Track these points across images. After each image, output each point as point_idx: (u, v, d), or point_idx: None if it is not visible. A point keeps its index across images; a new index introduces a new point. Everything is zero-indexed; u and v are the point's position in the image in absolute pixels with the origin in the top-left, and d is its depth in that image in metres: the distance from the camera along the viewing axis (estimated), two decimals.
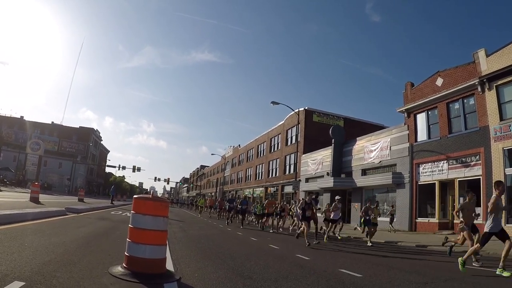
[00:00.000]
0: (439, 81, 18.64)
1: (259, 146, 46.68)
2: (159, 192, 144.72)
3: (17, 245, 5.08)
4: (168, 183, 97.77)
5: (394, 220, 19.45)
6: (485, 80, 15.72)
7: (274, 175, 39.87)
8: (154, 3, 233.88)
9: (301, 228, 12.13)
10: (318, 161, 29.60)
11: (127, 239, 4.17)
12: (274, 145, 41.43)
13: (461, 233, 8.30)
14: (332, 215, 13.79)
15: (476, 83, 16.09)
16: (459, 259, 6.66)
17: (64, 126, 66.77)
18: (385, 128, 25.41)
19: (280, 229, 17.30)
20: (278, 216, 17.54)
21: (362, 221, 12.91)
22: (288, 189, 34.14)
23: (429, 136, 19.29)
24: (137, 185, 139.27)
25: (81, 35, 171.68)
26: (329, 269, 6.22)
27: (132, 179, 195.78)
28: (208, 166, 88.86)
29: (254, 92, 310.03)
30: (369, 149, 23.86)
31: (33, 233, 6.63)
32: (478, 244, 6.77)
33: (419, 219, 18.87)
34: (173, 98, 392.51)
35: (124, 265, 4.10)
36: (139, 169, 62.60)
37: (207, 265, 5.51)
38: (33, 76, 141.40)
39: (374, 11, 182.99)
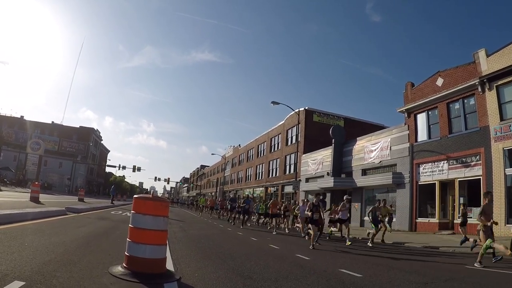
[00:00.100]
0: (440, 81, 18.63)
1: (259, 146, 46.67)
2: (159, 192, 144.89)
3: (17, 245, 5.08)
4: (168, 183, 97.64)
5: (393, 220, 19.44)
6: (485, 80, 15.71)
7: (274, 175, 39.86)
8: (154, 3, 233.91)
9: (309, 230, 11.65)
10: (318, 161, 29.59)
11: (127, 239, 4.17)
12: (274, 145, 41.42)
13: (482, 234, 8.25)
14: (340, 215, 13.16)
15: (477, 83, 16.08)
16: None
17: (64, 126, 66.81)
18: (385, 128, 25.38)
19: (286, 230, 16.82)
20: (283, 217, 17.04)
21: (371, 221, 12.41)
22: (288, 189, 34.14)
23: (429, 136, 19.28)
24: (137, 185, 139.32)
25: (81, 35, 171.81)
26: (329, 269, 6.21)
27: (132, 179, 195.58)
28: (208, 166, 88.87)
29: (254, 92, 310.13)
30: (369, 149, 23.85)
31: (33, 232, 6.63)
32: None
33: (419, 219, 18.86)
34: (173, 98, 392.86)
35: (124, 265, 4.10)
36: (139, 169, 62.61)
37: (207, 265, 5.51)
38: (33, 76, 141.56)
39: (374, 11, 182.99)
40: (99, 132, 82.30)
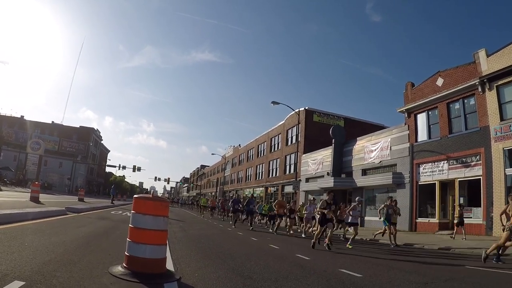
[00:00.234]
0: (440, 81, 18.63)
1: (259, 146, 46.67)
2: (159, 191, 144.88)
3: (17, 245, 5.08)
4: (168, 183, 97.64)
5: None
6: (485, 80, 15.71)
7: (274, 175, 39.86)
8: (154, 3, 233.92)
9: (315, 230, 11.01)
10: (318, 161, 29.59)
11: (127, 239, 4.17)
12: (274, 145, 41.42)
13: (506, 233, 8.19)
14: (350, 219, 12.10)
15: (477, 83, 16.08)
16: None
17: (64, 126, 66.85)
18: (386, 128, 25.39)
19: (291, 231, 15.83)
20: (289, 218, 16.35)
21: (384, 219, 12.12)
22: (288, 189, 34.15)
23: (429, 136, 19.28)
24: (137, 184, 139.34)
25: (82, 34, 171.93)
26: (329, 269, 6.21)
27: (132, 178, 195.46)
28: (208, 166, 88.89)
29: (254, 92, 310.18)
30: (370, 149, 23.85)
31: (33, 232, 6.63)
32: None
33: (419, 219, 18.86)
34: (173, 98, 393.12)
35: (124, 265, 4.09)
36: (139, 169, 62.64)
37: (207, 265, 5.51)
38: (33, 76, 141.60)
39: (374, 11, 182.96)
40: (99, 132, 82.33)
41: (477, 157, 16.13)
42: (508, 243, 7.95)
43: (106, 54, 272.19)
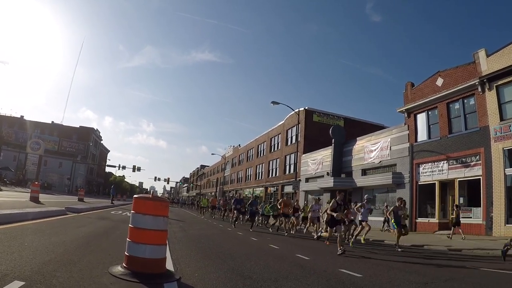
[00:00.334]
0: (439, 81, 18.63)
1: (259, 146, 46.67)
2: (159, 191, 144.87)
3: (17, 245, 5.08)
4: (168, 183, 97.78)
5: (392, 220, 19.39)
6: (485, 80, 15.71)
7: (274, 175, 39.86)
8: (154, 3, 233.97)
9: (323, 233, 10.65)
10: (318, 161, 29.59)
11: (127, 239, 4.17)
12: (274, 145, 41.42)
13: None
14: (360, 217, 12.24)
15: (476, 83, 16.08)
16: None
17: (64, 126, 66.79)
18: (385, 128, 25.39)
19: (292, 231, 15.65)
20: (294, 218, 15.99)
21: (393, 221, 11.65)
22: (288, 189, 34.13)
23: (429, 136, 19.28)
24: (137, 184, 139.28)
25: (82, 34, 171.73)
26: (329, 269, 6.21)
27: (132, 178, 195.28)
28: (208, 166, 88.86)
29: (254, 92, 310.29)
30: (369, 149, 23.85)
31: (33, 232, 6.63)
32: None
33: (419, 219, 18.86)
34: (173, 98, 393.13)
35: (124, 265, 4.09)
36: (139, 169, 62.61)
37: (207, 265, 5.51)
38: (33, 76, 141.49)
39: (374, 11, 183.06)
40: (99, 132, 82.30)
41: (477, 157, 16.13)
42: None
43: (106, 54, 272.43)
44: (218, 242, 9.74)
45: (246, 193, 45.92)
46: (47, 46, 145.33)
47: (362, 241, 12.39)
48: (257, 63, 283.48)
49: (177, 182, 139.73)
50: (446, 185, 18.10)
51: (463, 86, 16.86)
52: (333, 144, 26.92)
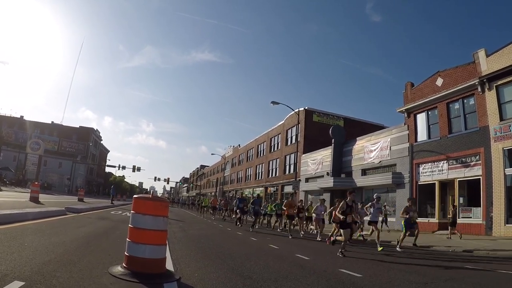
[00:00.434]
0: (439, 81, 18.64)
1: (259, 146, 46.68)
2: (159, 192, 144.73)
3: (17, 245, 5.08)
4: (168, 183, 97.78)
5: (391, 220, 19.43)
6: (485, 80, 15.71)
7: (274, 175, 39.87)
8: (154, 3, 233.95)
9: (338, 237, 9.81)
10: (318, 161, 29.60)
11: (127, 239, 4.17)
12: (274, 145, 41.43)
13: None
14: (369, 217, 11.45)
15: (476, 83, 16.09)
16: None
17: (64, 126, 66.86)
18: (385, 128, 25.40)
19: (302, 233, 15.32)
20: (297, 218, 15.59)
21: (403, 222, 11.17)
22: (288, 189, 34.13)
23: (429, 136, 19.28)
24: (137, 185, 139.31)
25: (81, 34, 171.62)
26: (329, 269, 6.21)
27: (132, 179, 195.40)
28: (208, 166, 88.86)
29: (254, 92, 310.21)
30: (369, 149, 23.86)
31: (33, 233, 6.63)
32: None
33: (419, 219, 18.72)
34: (173, 98, 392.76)
35: (124, 265, 4.10)
36: (139, 169, 62.63)
37: (207, 265, 5.51)
38: (33, 76, 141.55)
39: (374, 11, 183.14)
40: (99, 132, 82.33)
41: (477, 157, 16.13)
42: None
43: (106, 54, 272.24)
44: (218, 242, 9.74)
45: (246, 193, 45.94)
46: (47, 46, 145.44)
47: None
48: (257, 63, 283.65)
49: (177, 182, 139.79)
50: (446, 185, 18.11)
51: (463, 86, 16.86)
52: (333, 144, 26.93)
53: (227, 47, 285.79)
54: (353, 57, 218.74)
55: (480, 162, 15.82)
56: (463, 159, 16.94)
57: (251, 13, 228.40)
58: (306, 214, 16.89)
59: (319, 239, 13.43)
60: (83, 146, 69.09)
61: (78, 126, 72.29)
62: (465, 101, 17.24)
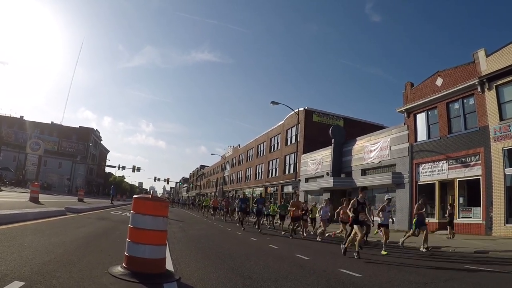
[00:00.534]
0: (439, 81, 18.64)
1: (259, 146, 46.68)
2: (159, 192, 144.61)
3: (17, 245, 5.08)
4: (168, 183, 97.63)
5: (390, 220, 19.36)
6: (485, 80, 15.72)
7: (274, 175, 39.87)
8: (154, 3, 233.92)
9: (356, 236, 8.87)
10: (318, 161, 29.60)
11: (127, 239, 4.17)
12: (274, 145, 41.43)
13: None
14: (380, 220, 10.65)
15: (476, 83, 16.09)
16: None
17: (64, 126, 66.82)
18: (385, 128, 25.40)
19: (304, 234, 14.70)
20: (302, 221, 15.01)
21: (414, 221, 10.94)
22: (288, 189, 34.13)
23: (429, 136, 19.28)
24: (137, 185, 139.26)
25: (81, 35, 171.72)
26: (329, 269, 6.22)
27: (131, 179, 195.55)
28: (208, 166, 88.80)
29: (254, 92, 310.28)
30: (369, 149, 23.86)
31: (33, 233, 6.63)
32: None
33: None
34: (173, 98, 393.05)
35: (124, 265, 4.10)
36: (138, 169, 62.63)
37: (206, 265, 5.51)
38: (33, 76, 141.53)
39: (374, 11, 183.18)
40: (99, 132, 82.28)
41: (477, 157, 16.13)
42: None
43: (106, 54, 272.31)
44: (217, 242, 9.74)
45: (246, 193, 45.83)
46: (47, 46, 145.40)
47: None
48: (257, 63, 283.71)
49: (176, 182, 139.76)
50: (446, 185, 18.11)
51: (463, 86, 16.86)
52: (332, 144, 26.93)
53: (227, 47, 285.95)
54: (353, 57, 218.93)
55: (480, 162, 15.82)
56: (463, 159, 16.94)
57: (251, 13, 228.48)
58: (310, 216, 16.45)
59: (319, 240, 13.43)
60: (83, 146, 69.06)
61: (78, 126, 72.29)
62: (465, 101, 17.24)
